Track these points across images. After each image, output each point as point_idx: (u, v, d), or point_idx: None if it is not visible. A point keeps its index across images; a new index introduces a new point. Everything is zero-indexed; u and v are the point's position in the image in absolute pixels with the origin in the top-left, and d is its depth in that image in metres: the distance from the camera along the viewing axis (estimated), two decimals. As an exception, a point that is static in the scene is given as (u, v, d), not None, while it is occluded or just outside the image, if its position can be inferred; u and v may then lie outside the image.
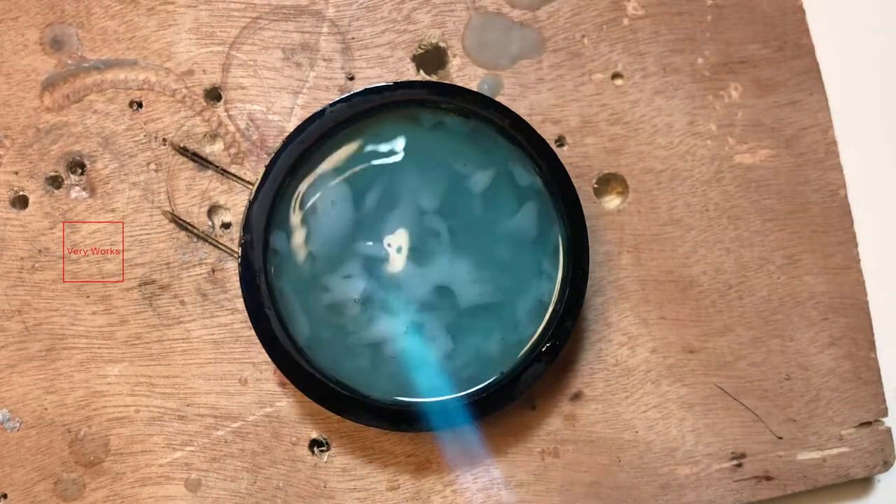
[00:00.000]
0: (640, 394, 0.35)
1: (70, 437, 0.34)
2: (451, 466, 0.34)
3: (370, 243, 0.32)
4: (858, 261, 0.36)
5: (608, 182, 0.36)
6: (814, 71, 0.37)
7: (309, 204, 0.32)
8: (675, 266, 0.35)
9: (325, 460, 0.34)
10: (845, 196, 0.36)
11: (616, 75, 0.36)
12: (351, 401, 0.31)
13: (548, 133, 0.35)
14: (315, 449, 0.34)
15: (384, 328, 0.32)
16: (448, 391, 0.32)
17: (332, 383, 0.32)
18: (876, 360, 0.36)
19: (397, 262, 0.32)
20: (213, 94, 0.35)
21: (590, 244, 0.32)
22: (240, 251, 0.32)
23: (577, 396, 0.34)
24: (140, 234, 0.34)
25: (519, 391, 0.32)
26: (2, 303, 0.34)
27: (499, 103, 0.33)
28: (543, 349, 0.32)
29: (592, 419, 0.34)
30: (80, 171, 0.34)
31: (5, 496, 0.34)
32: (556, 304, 0.32)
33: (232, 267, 0.34)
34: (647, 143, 0.36)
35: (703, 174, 0.36)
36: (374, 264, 0.32)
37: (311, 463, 0.34)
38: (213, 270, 0.34)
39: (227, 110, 0.35)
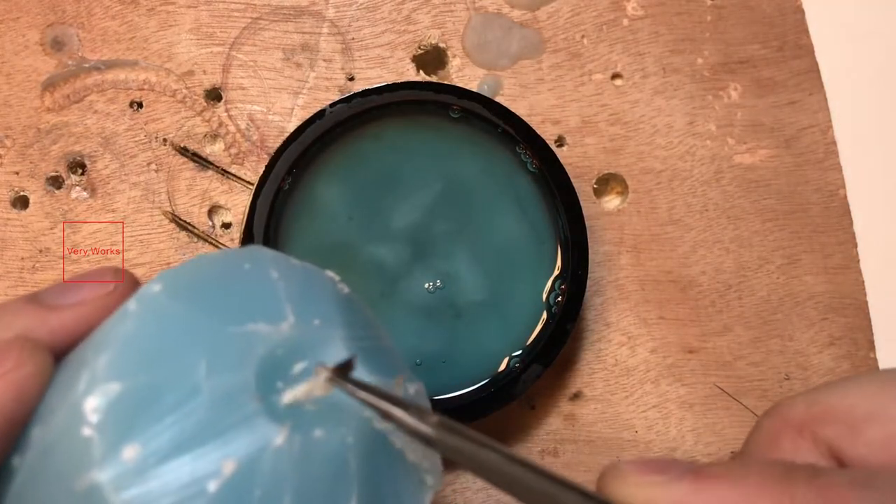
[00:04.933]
0: (639, 393, 0.35)
1: (71, 436, 0.34)
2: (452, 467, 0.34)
3: (369, 243, 0.32)
4: (858, 261, 0.36)
5: (608, 182, 0.36)
6: (814, 71, 0.37)
7: (309, 204, 0.32)
8: (674, 266, 0.35)
9: (325, 460, 0.34)
10: (845, 196, 0.36)
11: (616, 75, 0.36)
12: (351, 401, 0.31)
13: (548, 133, 0.35)
14: (315, 448, 0.34)
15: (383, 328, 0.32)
16: (447, 391, 0.32)
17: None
18: (876, 360, 0.36)
19: (396, 262, 0.32)
20: (214, 95, 0.35)
21: (590, 244, 0.32)
22: (240, 251, 0.32)
23: (576, 396, 0.35)
24: (140, 235, 0.34)
25: (519, 391, 0.32)
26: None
27: (498, 104, 0.33)
28: (542, 349, 0.32)
29: (592, 419, 0.34)
30: (80, 171, 0.35)
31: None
32: (555, 304, 0.32)
33: (232, 267, 0.34)
34: (646, 144, 0.36)
35: (702, 174, 0.36)
36: (373, 264, 0.32)
37: (311, 462, 0.34)
38: (214, 270, 0.34)
39: (227, 111, 0.35)
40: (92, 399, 0.17)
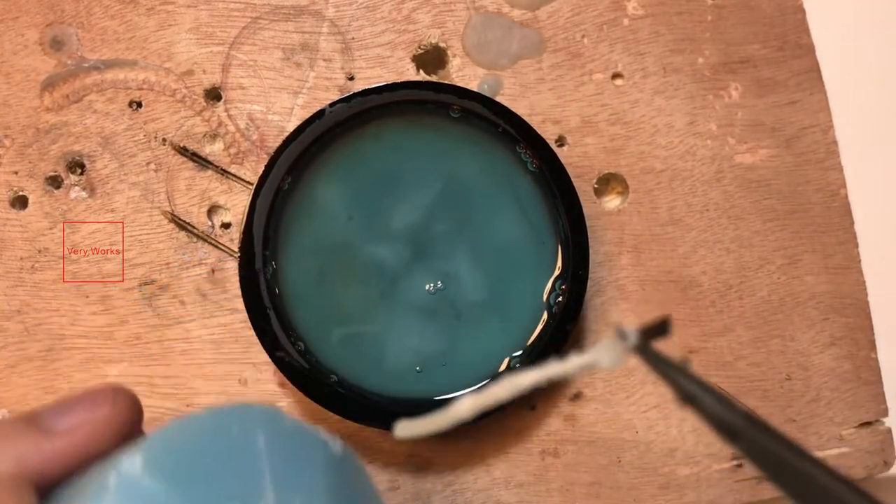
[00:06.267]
0: (640, 394, 0.35)
1: (70, 437, 0.34)
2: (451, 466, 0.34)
3: (369, 243, 0.32)
4: (858, 261, 0.36)
5: (608, 182, 0.36)
6: (814, 71, 0.37)
7: (309, 204, 0.32)
8: (675, 266, 0.35)
9: (324, 460, 0.34)
10: (845, 196, 0.36)
11: (616, 75, 0.36)
12: (351, 401, 0.31)
13: (548, 133, 0.35)
14: (315, 449, 0.34)
15: (384, 328, 0.32)
16: (448, 391, 0.32)
17: (332, 383, 0.32)
18: (876, 360, 0.36)
19: (396, 262, 0.32)
20: (213, 94, 0.35)
21: (590, 244, 0.32)
22: (240, 251, 0.32)
23: (576, 397, 0.34)
24: (140, 234, 0.34)
25: (519, 391, 0.32)
26: (2, 303, 0.34)
27: (498, 103, 0.33)
28: (543, 349, 0.32)
29: (592, 419, 0.34)
30: (79, 171, 0.34)
31: (5, 496, 0.34)
32: (555, 305, 0.32)
33: (232, 267, 0.34)
34: (647, 143, 0.36)
35: (703, 174, 0.36)
36: (373, 264, 0.32)
37: (310, 463, 0.34)
38: (213, 270, 0.34)
39: (226, 110, 0.35)
40: None
